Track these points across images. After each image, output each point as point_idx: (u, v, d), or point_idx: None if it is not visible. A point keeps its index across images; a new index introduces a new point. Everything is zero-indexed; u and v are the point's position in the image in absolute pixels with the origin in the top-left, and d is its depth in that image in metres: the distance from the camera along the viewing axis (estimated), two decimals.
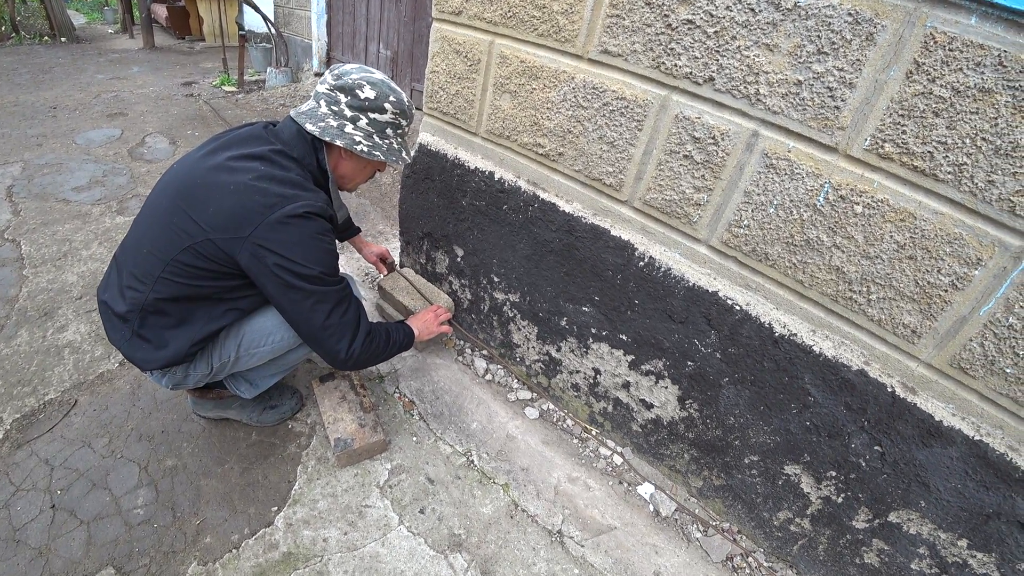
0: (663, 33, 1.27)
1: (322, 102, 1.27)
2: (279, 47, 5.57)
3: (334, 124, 1.26)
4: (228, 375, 1.45)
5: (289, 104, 4.85)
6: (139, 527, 1.38)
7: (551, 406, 1.76)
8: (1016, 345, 1.07)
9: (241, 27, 5.54)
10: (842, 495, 1.33)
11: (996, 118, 0.98)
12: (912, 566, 1.32)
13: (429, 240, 1.91)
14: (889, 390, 1.20)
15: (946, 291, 1.10)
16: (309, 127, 1.25)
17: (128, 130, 4.02)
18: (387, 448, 1.58)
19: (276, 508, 1.43)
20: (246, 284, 1.25)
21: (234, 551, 1.34)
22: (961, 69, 0.98)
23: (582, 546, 1.43)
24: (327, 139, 1.25)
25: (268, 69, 5.51)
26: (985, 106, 0.98)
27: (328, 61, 5.39)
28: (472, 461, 1.58)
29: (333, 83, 1.26)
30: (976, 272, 1.07)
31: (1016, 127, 0.97)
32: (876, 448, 1.25)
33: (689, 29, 1.23)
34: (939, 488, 1.22)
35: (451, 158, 1.74)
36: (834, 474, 1.32)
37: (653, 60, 1.30)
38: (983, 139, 1.00)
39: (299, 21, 5.73)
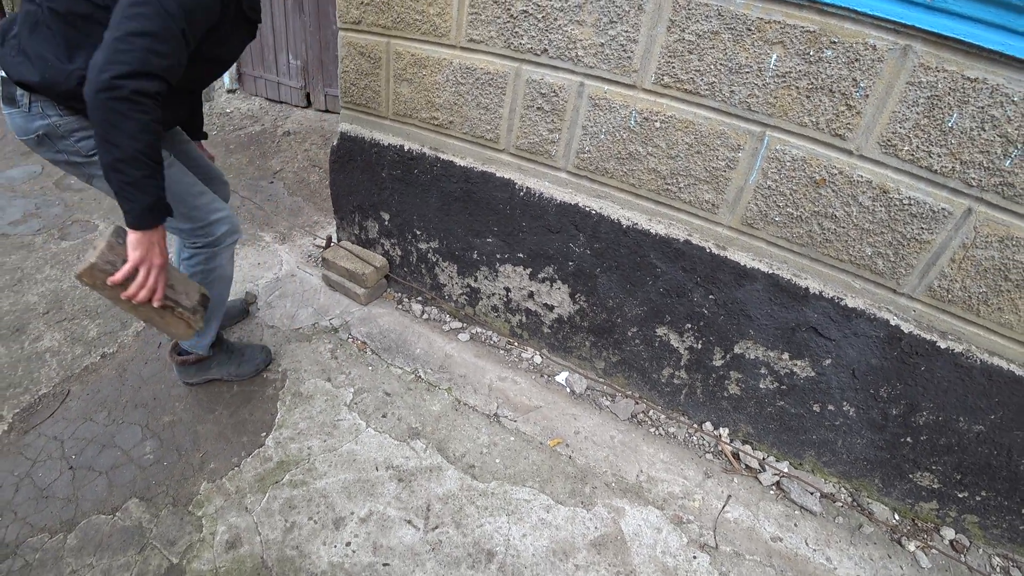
0: (509, 22, 1.86)
1: None
2: None
3: None
4: None
5: (209, 125, 5.27)
6: (151, 468, 1.84)
7: (479, 329, 2.32)
8: (777, 200, 1.71)
9: None
10: (700, 341, 1.94)
11: (725, 50, 1.61)
12: (760, 386, 1.94)
13: (360, 212, 2.44)
14: (708, 251, 1.81)
15: (725, 171, 1.73)
16: None
17: (48, 164, 4.37)
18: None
19: (265, 433, 1.92)
20: None
21: (236, 469, 1.82)
22: (699, 20, 1.61)
23: (515, 421, 1.98)
24: None
25: None
26: (717, 42, 1.61)
27: (240, 77, 5.84)
28: (420, 376, 2.11)
29: None
30: (739, 154, 1.70)
31: (737, 54, 1.60)
32: (710, 296, 1.86)
33: (525, 17, 1.82)
34: (758, 316, 1.84)
35: (368, 140, 2.28)
36: (690, 326, 1.93)
37: (505, 42, 1.89)
38: (721, 64, 1.63)
39: None
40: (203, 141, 2.05)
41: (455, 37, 1.98)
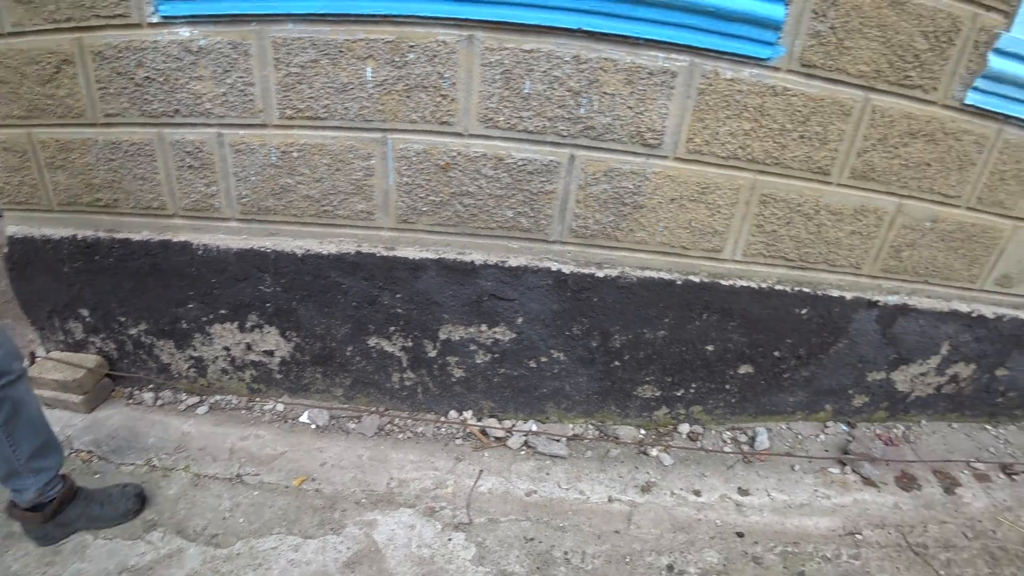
0: (136, 90, 1.89)
1: None
2: None
3: None
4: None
5: None
6: None
7: (218, 397, 2.28)
8: (419, 193, 1.89)
9: None
10: (409, 339, 2.06)
11: (328, 73, 1.77)
12: (478, 361, 2.09)
13: (57, 316, 2.30)
14: (378, 255, 1.95)
15: (367, 180, 1.88)
16: None
17: None
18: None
19: None
20: None
21: None
22: (298, 53, 1.76)
23: (258, 475, 1.96)
24: None
25: None
26: (319, 69, 1.76)
27: None
28: (154, 464, 2.02)
29: None
30: (373, 162, 1.86)
31: (339, 74, 1.76)
32: (397, 296, 1.99)
33: (150, 83, 1.87)
34: (444, 300, 1.99)
35: (39, 238, 2.18)
36: (393, 328, 2.04)
37: (140, 110, 1.92)
38: (329, 87, 1.78)
39: None
40: None
41: (92, 115, 1.97)
